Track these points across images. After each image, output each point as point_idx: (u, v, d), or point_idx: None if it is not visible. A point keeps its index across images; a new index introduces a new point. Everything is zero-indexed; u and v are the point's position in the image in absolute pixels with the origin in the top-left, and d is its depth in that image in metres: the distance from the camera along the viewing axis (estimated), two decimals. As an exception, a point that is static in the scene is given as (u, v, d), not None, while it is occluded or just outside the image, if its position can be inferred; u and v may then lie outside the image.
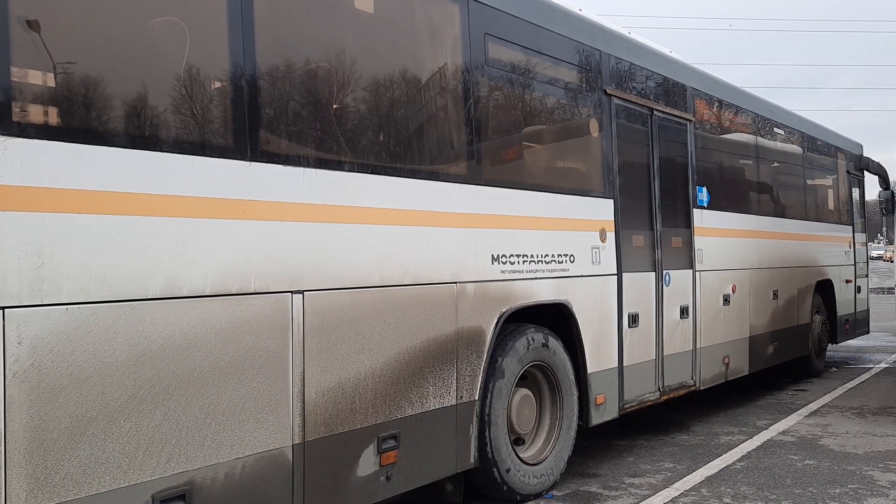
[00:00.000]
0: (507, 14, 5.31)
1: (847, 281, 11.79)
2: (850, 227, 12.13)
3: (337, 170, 4.06)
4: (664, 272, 6.89)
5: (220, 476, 3.43)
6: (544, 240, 5.45)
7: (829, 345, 11.29)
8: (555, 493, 5.51)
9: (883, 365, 11.62)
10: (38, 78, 3.04)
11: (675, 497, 5.38)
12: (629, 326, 6.33)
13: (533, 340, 5.34)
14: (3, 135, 2.81)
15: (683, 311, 7.16)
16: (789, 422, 7.73)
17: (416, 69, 4.74)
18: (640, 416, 7.44)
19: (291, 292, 3.76)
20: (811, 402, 8.80)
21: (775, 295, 9.18)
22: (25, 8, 2.92)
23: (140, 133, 3.29)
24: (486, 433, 4.94)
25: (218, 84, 3.64)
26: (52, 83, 3.04)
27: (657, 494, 5.45)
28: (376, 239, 4.23)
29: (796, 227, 9.97)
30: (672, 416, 8.01)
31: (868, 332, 13.11)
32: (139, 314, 3.16)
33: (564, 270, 5.62)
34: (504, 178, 5.28)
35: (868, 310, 13.05)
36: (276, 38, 3.90)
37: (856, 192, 12.56)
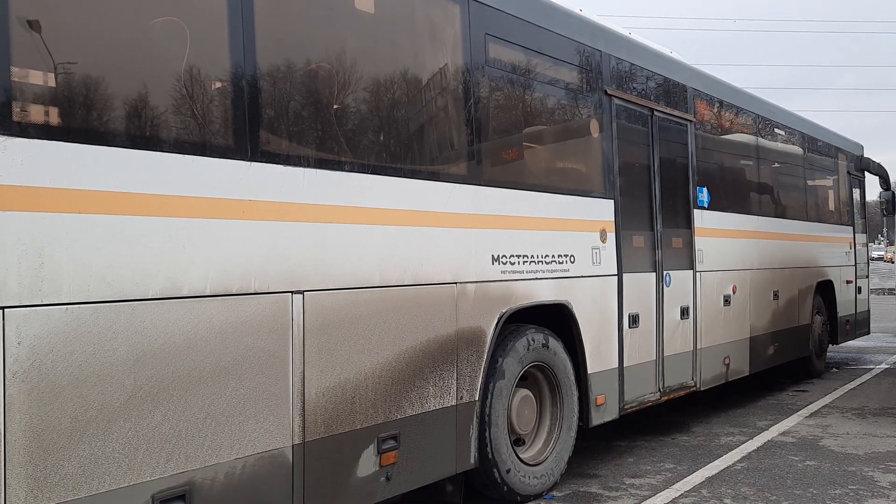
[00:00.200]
0: (507, 14, 5.31)
1: (848, 282, 11.79)
2: (851, 228, 12.13)
3: (337, 170, 4.05)
4: (665, 273, 6.88)
5: (220, 476, 3.42)
6: (545, 240, 5.44)
7: (830, 345, 11.28)
8: (555, 493, 5.50)
9: (883, 366, 11.62)
10: (38, 78, 3.03)
11: (676, 498, 5.38)
12: (629, 327, 6.32)
13: (533, 341, 5.34)
14: (4, 135, 2.81)
15: (684, 312, 7.16)
16: (790, 422, 7.73)
17: (416, 69, 4.74)
18: (640, 416, 7.44)
19: (292, 292, 3.76)
20: (812, 402, 8.80)
21: (776, 295, 9.18)
22: (26, 8, 2.92)
23: (140, 133, 3.29)
24: (487, 434, 4.94)
25: (218, 84, 3.63)
26: (52, 83, 3.04)
27: (657, 495, 5.45)
28: (376, 239, 4.23)
29: (797, 227, 9.97)
30: (672, 416, 8.00)
31: (869, 333, 13.11)
32: (139, 314, 3.15)
33: (565, 271, 5.61)
34: (504, 178, 5.27)
35: (868, 310, 13.05)
36: (276, 38, 3.90)
37: (856, 193, 12.56)
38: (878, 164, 12.66)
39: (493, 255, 4.99)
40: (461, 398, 4.74)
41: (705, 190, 7.71)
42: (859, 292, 12.38)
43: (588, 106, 6.21)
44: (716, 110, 8.36)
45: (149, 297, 3.19)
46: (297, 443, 3.77)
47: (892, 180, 12.87)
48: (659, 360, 6.77)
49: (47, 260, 2.88)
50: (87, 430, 2.99)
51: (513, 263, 5.14)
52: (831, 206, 11.63)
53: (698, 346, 7.37)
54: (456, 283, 4.72)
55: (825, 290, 10.89)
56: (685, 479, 5.81)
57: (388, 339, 4.25)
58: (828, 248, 11.06)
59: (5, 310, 2.76)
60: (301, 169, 3.86)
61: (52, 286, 2.89)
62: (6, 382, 2.77)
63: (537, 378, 5.54)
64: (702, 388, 7.46)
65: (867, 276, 13.02)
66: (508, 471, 5.10)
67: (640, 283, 6.54)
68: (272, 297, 3.66)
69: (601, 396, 5.96)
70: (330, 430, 3.92)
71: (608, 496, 5.46)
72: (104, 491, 3.03)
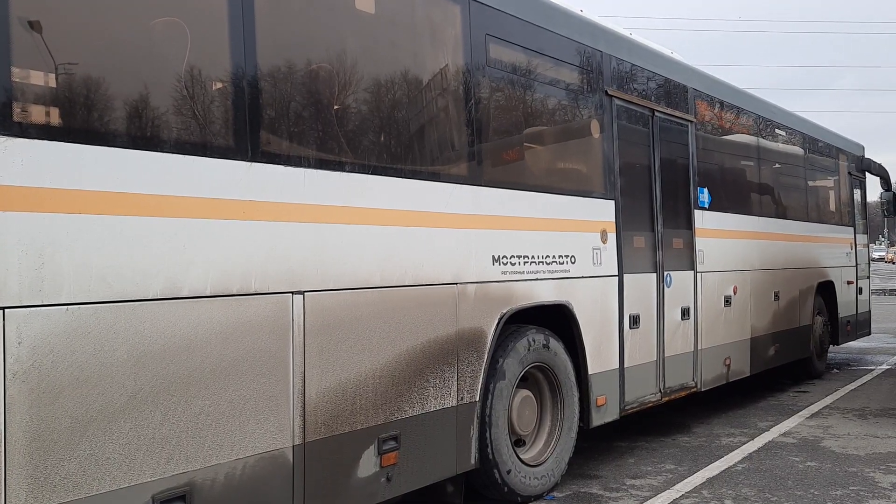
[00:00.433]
0: (508, 15, 5.31)
1: (848, 282, 11.78)
2: (852, 229, 12.12)
3: (338, 170, 4.05)
4: (665, 273, 6.88)
5: (220, 477, 3.42)
6: (545, 241, 5.44)
7: (831, 346, 11.27)
8: (555, 494, 5.50)
9: (884, 366, 11.61)
10: (38, 78, 3.04)
11: (677, 499, 5.37)
12: (630, 328, 6.32)
13: (534, 341, 5.34)
14: (4, 135, 2.81)
15: (684, 313, 7.16)
16: (790, 423, 7.72)
17: (416, 70, 4.73)
18: (641, 417, 7.43)
19: (292, 293, 3.76)
20: (812, 403, 8.79)
21: (776, 296, 9.17)
22: (26, 8, 2.92)
23: (141, 133, 3.29)
24: (487, 434, 4.93)
25: (219, 84, 3.63)
26: (52, 83, 3.04)
27: (658, 496, 5.45)
28: (377, 240, 4.22)
29: (798, 228, 9.97)
30: (673, 417, 8.00)
31: (869, 334, 13.09)
32: (139, 315, 3.15)
33: (565, 271, 5.61)
34: (505, 178, 5.27)
35: (869, 311, 13.04)
36: (276, 38, 3.90)
37: (857, 194, 12.55)
38: (879, 165, 12.65)
39: (493, 256, 4.99)
40: (462, 399, 4.74)
41: (706, 190, 7.70)
42: (860, 293, 12.38)
43: (589, 106, 6.21)
44: (716, 111, 8.36)
45: (149, 298, 3.19)
46: (297, 443, 3.76)
47: (892, 181, 12.86)
48: (660, 360, 6.77)
49: (48, 260, 2.88)
50: (87, 430, 2.99)
51: (513, 264, 5.14)
52: (832, 206, 11.62)
53: (699, 347, 7.37)
54: (456, 283, 4.71)
55: (826, 290, 10.89)
56: (686, 480, 5.81)
57: (388, 339, 4.25)
58: (829, 248, 11.06)
59: (6, 310, 2.77)
60: (301, 169, 3.86)
61: (53, 286, 2.89)
62: (6, 383, 2.77)
63: (538, 379, 5.54)
64: (702, 389, 7.45)
65: (868, 277, 13.01)
66: (509, 471, 5.10)
67: (641, 284, 6.54)
68: (272, 297, 3.66)
69: (602, 397, 5.95)
70: (330, 430, 3.92)
71: (609, 497, 5.46)
72: (104, 491, 3.03)
